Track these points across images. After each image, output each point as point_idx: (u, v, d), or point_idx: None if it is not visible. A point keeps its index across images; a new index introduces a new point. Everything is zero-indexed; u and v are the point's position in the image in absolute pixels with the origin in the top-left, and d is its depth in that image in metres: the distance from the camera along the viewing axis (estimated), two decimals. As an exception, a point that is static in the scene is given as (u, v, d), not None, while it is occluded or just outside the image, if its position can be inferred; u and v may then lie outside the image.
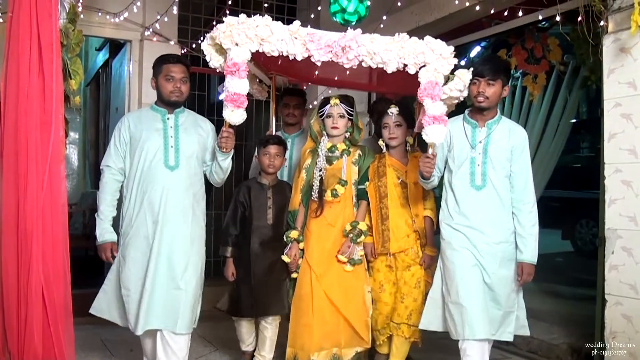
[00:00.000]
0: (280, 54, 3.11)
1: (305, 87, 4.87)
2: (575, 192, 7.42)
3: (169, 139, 3.33)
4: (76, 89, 3.09)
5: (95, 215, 3.35)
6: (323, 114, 3.72)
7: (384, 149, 3.79)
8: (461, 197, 3.31)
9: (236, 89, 3.01)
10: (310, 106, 4.98)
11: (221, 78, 5.93)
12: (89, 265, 5.49)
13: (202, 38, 5.33)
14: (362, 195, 3.74)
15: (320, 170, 3.69)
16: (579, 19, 3.47)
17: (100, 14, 4.79)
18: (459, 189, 3.32)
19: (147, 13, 4.96)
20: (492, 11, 4.37)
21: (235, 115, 3.05)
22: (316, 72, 3.62)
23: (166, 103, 3.34)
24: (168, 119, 3.36)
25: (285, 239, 3.70)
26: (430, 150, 3.20)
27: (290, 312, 3.66)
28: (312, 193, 3.68)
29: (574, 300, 5.18)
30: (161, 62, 3.33)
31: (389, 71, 3.19)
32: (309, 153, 3.79)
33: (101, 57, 6.98)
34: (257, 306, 3.71)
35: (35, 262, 2.64)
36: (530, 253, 3.25)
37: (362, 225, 3.66)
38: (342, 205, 3.70)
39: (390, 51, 3.15)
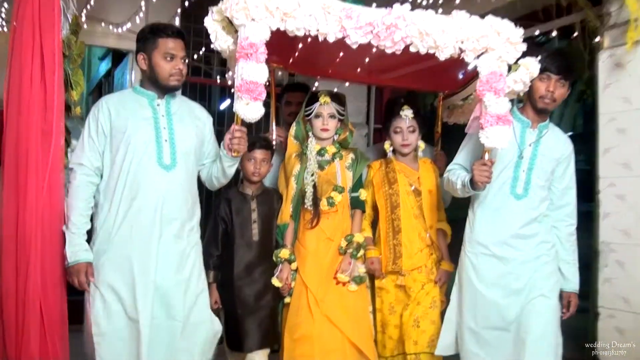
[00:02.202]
0: (307, 34, 2.49)
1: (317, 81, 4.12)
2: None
3: (161, 131, 2.67)
4: (77, 100, 2.99)
5: (64, 228, 2.60)
6: (310, 113, 3.22)
7: (390, 154, 3.35)
8: (498, 206, 2.90)
9: (253, 77, 2.38)
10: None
11: (222, 89, 5.98)
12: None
13: (203, 49, 5.33)
14: (356, 203, 3.26)
15: (313, 175, 3.18)
16: (575, 34, 3.45)
17: (103, 24, 4.76)
18: (495, 196, 2.89)
19: (149, 22, 4.88)
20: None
21: (251, 109, 2.43)
22: (329, 61, 3.06)
23: (160, 87, 2.71)
24: (158, 105, 2.72)
25: (274, 259, 3.14)
26: (487, 156, 2.71)
27: (284, 343, 3.11)
28: (305, 201, 3.15)
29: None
30: (155, 34, 2.66)
31: (442, 58, 2.64)
32: (296, 158, 3.25)
33: (104, 66, 6.97)
34: (245, 339, 3.06)
35: (32, 271, 2.55)
36: (576, 281, 2.96)
37: (359, 237, 3.18)
38: (340, 215, 3.21)
39: (445, 32, 2.57)
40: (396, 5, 2.56)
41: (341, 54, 2.83)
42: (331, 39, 2.50)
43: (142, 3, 4.55)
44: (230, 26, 2.57)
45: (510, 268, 2.86)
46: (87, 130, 2.67)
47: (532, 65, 2.73)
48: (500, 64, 2.64)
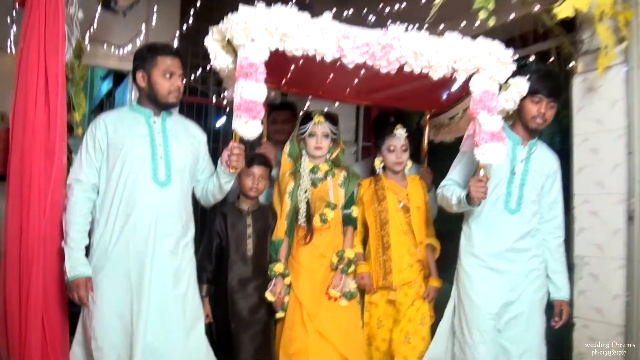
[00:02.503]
0: (305, 54, 2.51)
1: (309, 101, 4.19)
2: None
3: (157, 148, 2.66)
4: (79, 120, 3.07)
5: (62, 243, 2.59)
6: (305, 132, 3.26)
7: (380, 170, 3.37)
8: (492, 221, 2.93)
9: (252, 96, 2.37)
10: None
11: (217, 108, 6.08)
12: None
13: (200, 70, 5.45)
14: (348, 220, 3.30)
15: (306, 192, 3.19)
16: (551, 59, 3.55)
17: (105, 46, 4.87)
18: (489, 211, 2.93)
19: (149, 45, 5.01)
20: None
21: (250, 127, 2.41)
22: (320, 81, 3.08)
23: (159, 104, 2.71)
24: (154, 122, 2.72)
25: (269, 273, 3.13)
26: (481, 172, 2.75)
27: (279, 358, 3.13)
28: (299, 218, 3.16)
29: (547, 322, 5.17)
30: (154, 53, 2.67)
31: (435, 77, 2.68)
32: (290, 176, 3.27)
33: (106, 85, 7.05)
34: (239, 354, 3.05)
35: (35, 285, 2.60)
36: (567, 289, 3.03)
37: (349, 253, 3.20)
38: (333, 232, 3.23)
39: (439, 53, 2.62)
40: (391, 27, 2.58)
41: (331, 75, 2.91)
42: (328, 59, 2.52)
43: (143, 26, 4.69)
44: (229, 46, 2.57)
45: (505, 279, 2.91)
46: (84, 147, 2.66)
47: (522, 85, 2.78)
48: (492, 83, 2.68)
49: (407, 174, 3.42)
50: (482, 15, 2.85)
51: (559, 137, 4.61)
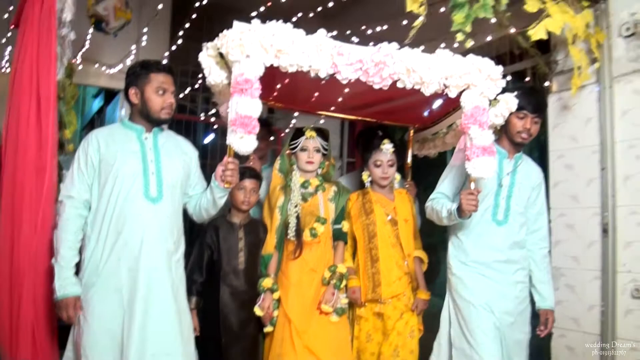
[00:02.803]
0: (299, 70, 2.49)
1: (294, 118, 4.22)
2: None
3: (148, 164, 2.62)
4: (70, 138, 3.08)
5: (53, 261, 2.52)
6: (296, 147, 3.22)
7: (367, 184, 3.34)
8: (480, 232, 2.94)
9: (247, 111, 2.34)
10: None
11: (206, 125, 6.14)
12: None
13: (189, 88, 5.52)
14: (339, 235, 3.24)
15: (296, 207, 3.14)
16: (527, 79, 3.63)
17: (97, 65, 4.91)
18: (478, 223, 2.93)
19: (139, 65, 5.07)
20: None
21: (245, 142, 2.38)
22: (307, 96, 3.06)
23: (151, 120, 2.68)
24: (146, 138, 2.68)
25: (258, 288, 3.06)
26: (472, 186, 2.76)
27: None
28: (289, 232, 3.09)
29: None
30: (147, 70, 2.64)
31: (427, 93, 2.68)
32: (280, 190, 3.20)
33: (97, 103, 7.08)
34: None
35: (25, 303, 2.60)
36: (552, 299, 3.02)
37: (342, 268, 3.14)
38: (323, 246, 3.16)
39: (431, 69, 2.62)
40: (384, 44, 2.59)
41: (317, 90, 2.93)
42: (322, 75, 2.51)
43: (133, 47, 4.75)
44: (224, 62, 2.56)
45: (499, 288, 2.90)
46: (76, 163, 2.61)
47: (511, 101, 2.83)
48: (482, 99, 2.69)
49: (395, 187, 3.41)
50: (459, 37, 2.93)
51: (537, 153, 4.70)
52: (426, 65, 2.61)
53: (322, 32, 2.51)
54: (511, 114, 2.90)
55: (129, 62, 4.89)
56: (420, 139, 3.81)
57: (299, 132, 3.26)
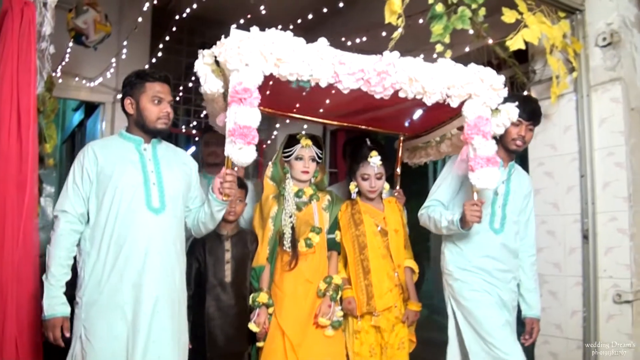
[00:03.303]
0: (298, 79, 2.37)
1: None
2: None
3: (149, 174, 2.51)
4: (50, 152, 3.03)
5: (43, 277, 2.40)
6: (290, 155, 3.08)
7: (354, 195, 3.21)
8: (479, 241, 2.87)
9: (246, 121, 2.23)
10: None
11: (187, 137, 6.09)
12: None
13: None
14: (332, 245, 3.11)
15: (291, 217, 2.99)
16: (506, 88, 3.64)
17: (77, 79, 4.85)
18: (477, 231, 2.86)
19: (119, 77, 5.02)
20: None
21: (244, 153, 2.25)
22: (294, 102, 2.93)
23: (148, 131, 2.57)
24: (144, 149, 2.58)
25: (251, 303, 2.90)
26: (475, 196, 2.69)
27: None
28: (284, 243, 2.94)
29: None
30: (143, 79, 2.55)
31: (429, 103, 2.60)
32: (273, 199, 3.05)
33: (77, 117, 7.01)
34: None
35: (9, 314, 2.51)
36: (539, 307, 2.98)
37: (337, 279, 3.01)
38: (318, 257, 3.03)
39: (433, 79, 2.55)
40: (386, 53, 2.51)
41: (302, 98, 2.79)
42: (323, 84, 2.41)
43: (113, 60, 4.71)
44: (219, 70, 2.48)
45: (501, 295, 2.83)
46: (71, 177, 2.49)
47: (512, 111, 2.76)
48: (484, 108, 2.64)
49: (384, 197, 3.30)
50: (439, 48, 2.94)
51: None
52: (429, 75, 2.54)
53: (323, 40, 2.41)
54: None
55: (109, 75, 4.85)
56: (411, 148, 3.75)
57: (293, 140, 3.13)
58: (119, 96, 4.85)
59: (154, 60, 4.72)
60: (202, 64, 2.50)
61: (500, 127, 2.78)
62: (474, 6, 2.93)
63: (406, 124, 3.40)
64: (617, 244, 3.16)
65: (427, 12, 2.97)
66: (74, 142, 7.51)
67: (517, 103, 2.80)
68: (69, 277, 2.41)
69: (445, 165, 3.05)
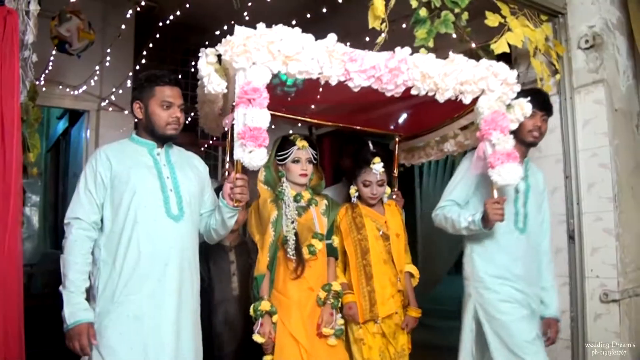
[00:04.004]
0: (308, 77, 2.29)
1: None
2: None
3: (165, 180, 2.40)
4: (34, 161, 2.99)
5: (60, 288, 2.27)
6: (286, 157, 2.91)
7: (354, 199, 3.10)
8: (506, 243, 2.76)
9: (257, 122, 2.13)
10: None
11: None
12: (44, 325, 5.32)
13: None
14: (331, 251, 2.98)
15: (293, 222, 2.82)
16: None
17: (61, 87, 4.81)
18: (501, 231, 2.75)
19: (103, 85, 5.00)
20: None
21: (256, 156, 2.15)
22: (287, 100, 2.75)
23: (157, 136, 2.46)
24: (158, 154, 2.47)
25: (252, 313, 2.70)
26: (495, 194, 2.60)
27: None
28: (288, 250, 2.76)
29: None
30: (152, 82, 2.43)
31: (442, 100, 2.51)
32: (272, 204, 2.86)
33: (61, 125, 6.95)
34: None
35: None
36: (556, 306, 2.89)
37: (336, 286, 2.88)
38: (320, 264, 2.89)
39: (447, 76, 2.47)
40: (397, 49, 2.42)
41: (295, 96, 2.72)
42: (334, 82, 2.31)
43: (97, 67, 4.67)
44: (222, 70, 2.36)
45: (529, 301, 2.75)
46: (83, 182, 2.37)
47: (525, 106, 2.67)
48: (499, 104, 2.57)
49: (384, 201, 3.18)
50: (423, 52, 2.92)
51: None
52: (442, 71, 2.46)
53: (332, 36, 2.31)
54: None
55: (93, 83, 4.82)
56: (407, 148, 3.66)
57: (287, 142, 2.95)
58: (103, 104, 4.91)
59: (137, 67, 4.68)
60: (206, 64, 2.35)
61: (514, 122, 2.68)
62: (457, 10, 2.92)
63: (403, 125, 3.36)
64: (603, 244, 3.16)
65: (411, 17, 2.97)
66: (59, 150, 7.45)
67: (529, 98, 2.71)
68: (87, 284, 2.28)
69: (459, 166, 2.94)
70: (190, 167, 2.55)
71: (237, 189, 2.35)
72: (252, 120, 2.13)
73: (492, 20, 3.06)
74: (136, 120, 2.51)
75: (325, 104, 2.95)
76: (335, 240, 3.02)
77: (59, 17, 3.89)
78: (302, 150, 2.90)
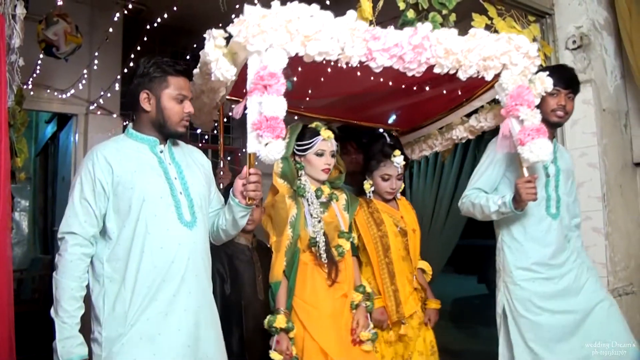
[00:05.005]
0: (325, 59, 2.09)
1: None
2: (487, 240, 7.56)
3: (173, 182, 2.11)
4: (21, 166, 2.96)
5: (52, 313, 1.98)
6: (308, 148, 2.64)
7: (370, 194, 2.93)
8: (538, 229, 2.64)
9: (274, 111, 1.92)
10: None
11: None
12: (35, 330, 5.29)
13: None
14: (353, 250, 2.75)
15: (320, 221, 2.56)
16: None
17: (49, 90, 4.76)
18: (533, 219, 2.63)
19: (91, 89, 4.95)
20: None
21: (273, 149, 1.93)
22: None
23: (166, 133, 2.17)
24: (161, 152, 2.17)
25: (267, 328, 2.42)
26: (526, 173, 2.46)
27: None
28: (319, 253, 2.51)
29: (491, 339, 5.24)
30: (165, 72, 2.13)
31: (464, 78, 2.38)
32: (290, 200, 2.58)
33: (50, 129, 6.89)
34: None
35: None
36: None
37: (368, 288, 2.70)
38: (349, 265, 2.65)
39: (470, 51, 2.34)
40: (419, 25, 2.28)
41: (310, 90, 2.66)
42: (354, 63, 2.14)
43: (85, 71, 4.63)
44: (231, 54, 2.15)
45: (562, 285, 2.63)
46: (78, 191, 2.05)
47: (546, 80, 2.55)
48: (522, 78, 2.46)
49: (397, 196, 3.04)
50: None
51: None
52: (465, 47, 2.32)
53: (352, 13, 2.12)
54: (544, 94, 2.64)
55: (80, 86, 4.77)
56: (405, 143, 3.54)
57: (310, 131, 2.67)
58: (92, 107, 4.87)
59: (125, 70, 4.65)
60: (214, 47, 2.12)
61: (537, 97, 2.54)
62: (444, 12, 2.91)
63: (401, 118, 3.29)
64: (593, 242, 3.17)
65: (399, 19, 2.96)
66: (47, 154, 7.40)
67: (548, 72, 2.59)
68: (82, 310, 2.00)
69: (485, 154, 2.82)
70: (196, 164, 2.29)
71: (251, 186, 2.10)
72: (268, 109, 1.92)
73: (478, 22, 3.04)
74: (126, 123, 2.31)
75: (319, 98, 2.86)
76: (355, 238, 2.79)
77: (46, 20, 3.86)
78: (327, 142, 2.64)
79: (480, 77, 2.43)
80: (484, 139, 5.05)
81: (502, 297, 2.69)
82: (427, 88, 2.78)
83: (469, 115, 3.12)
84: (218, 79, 2.17)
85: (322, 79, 2.37)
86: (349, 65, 2.16)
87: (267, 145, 1.92)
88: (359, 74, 2.41)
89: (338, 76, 2.35)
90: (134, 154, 2.12)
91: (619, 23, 3.40)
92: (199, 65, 2.32)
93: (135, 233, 2.01)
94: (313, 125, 2.70)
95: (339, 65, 2.18)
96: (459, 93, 2.66)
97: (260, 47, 1.95)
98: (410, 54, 2.20)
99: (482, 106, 2.98)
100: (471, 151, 5.11)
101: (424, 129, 3.37)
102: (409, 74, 2.28)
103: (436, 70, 2.33)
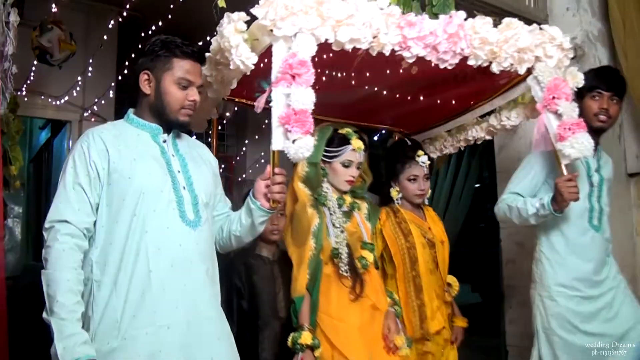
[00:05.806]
0: (354, 48, 1.91)
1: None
2: (481, 249, 7.60)
3: (176, 175, 1.89)
4: (16, 174, 2.95)
5: (45, 316, 1.65)
6: (335, 156, 2.48)
7: (398, 202, 2.78)
8: (581, 243, 2.50)
9: (303, 104, 1.74)
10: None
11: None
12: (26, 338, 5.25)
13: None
14: (376, 262, 2.60)
15: (343, 232, 2.40)
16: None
17: (43, 97, 4.76)
18: (574, 230, 2.50)
19: (86, 96, 4.95)
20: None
21: (303, 146, 1.74)
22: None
23: (165, 120, 1.93)
24: (164, 141, 1.94)
25: (291, 346, 2.23)
26: (565, 171, 2.30)
27: None
28: (342, 265, 2.34)
29: (485, 349, 5.24)
30: (170, 52, 1.91)
31: (497, 70, 2.24)
32: (312, 209, 2.40)
33: (44, 135, 6.88)
34: None
35: None
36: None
37: (395, 294, 2.59)
38: (375, 277, 2.52)
39: (506, 42, 2.19)
40: (453, 12, 2.12)
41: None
42: (387, 52, 1.98)
43: (79, 77, 4.63)
44: (251, 40, 1.94)
45: (600, 304, 2.52)
46: (71, 174, 1.79)
47: (578, 75, 2.41)
48: (557, 70, 2.34)
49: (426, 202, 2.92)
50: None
51: (487, 173, 4.75)
52: (501, 38, 2.19)
53: None
54: (584, 97, 2.51)
55: (75, 93, 4.77)
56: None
57: (340, 137, 2.51)
58: (86, 114, 4.86)
59: (120, 77, 4.65)
60: (234, 32, 1.90)
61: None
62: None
63: (407, 119, 3.18)
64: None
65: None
66: (41, 160, 7.37)
67: (585, 73, 2.45)
68: (82, 307, 1.71)
69: (525, 160, 2.70)
70: (202, 159, 2.06)
71: (276, 187, 1.88)
72: (297, 101, 1.74)
73: (473, 32, 3.03)
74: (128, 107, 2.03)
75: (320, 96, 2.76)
76: (377, 249, 2.65)
77: (40, 27, 3.86)
78: (355, 153, 2.49)
79: (513, 70, 2.30)
80: (477, 147, 5.13)
81: (537, 311, 2.59)
82: (444, 86, 2.66)
83: (482, 116, 3.03)
84: (237, 67, 1.94)
85: (324, 78, 2.24)
86: (380, 53, 1.99)
87: (295, 141, 1.74)
88: (367, 74, 2.32)
89: (346, 74, 2.25)
90: (134, 141, 1.89)
91: (612, 34, 3.41)
92: (208, 54, 2.16)
93: (130, 231, 1.76)
94: (344, 131, 2.53)
95: (359, 55, 2.01)
96: (475, 92, 2.56)
97: (288, 32, 1.79)
98: (444, 44, 2.04)
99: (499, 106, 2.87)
100: (465, 159, 5.15)
101: (430, 130, 3.26)
102: (441, 65, 2.12)
103: (470, 62, 2.18)
